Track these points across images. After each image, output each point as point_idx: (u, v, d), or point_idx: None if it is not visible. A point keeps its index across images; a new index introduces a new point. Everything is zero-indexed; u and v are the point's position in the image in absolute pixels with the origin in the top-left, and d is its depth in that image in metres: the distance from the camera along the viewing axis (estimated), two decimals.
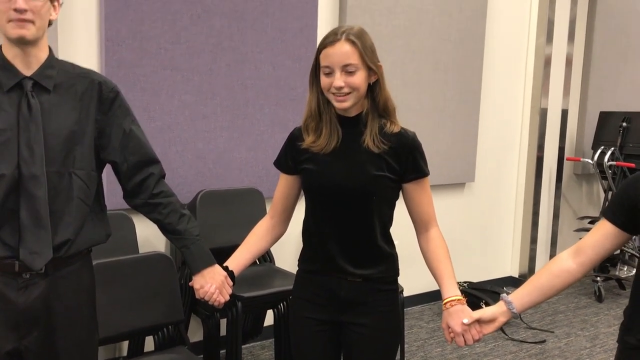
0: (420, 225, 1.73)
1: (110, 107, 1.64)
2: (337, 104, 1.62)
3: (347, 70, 1.59)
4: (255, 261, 3.11)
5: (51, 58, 1.56)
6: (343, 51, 1.58)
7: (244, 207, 3.08)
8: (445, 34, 3.88)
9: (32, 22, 1.46)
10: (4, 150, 1.48)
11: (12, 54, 1.50)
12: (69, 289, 1.61)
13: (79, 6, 2.68)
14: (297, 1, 3.24)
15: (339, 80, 1.58)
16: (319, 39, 3.34)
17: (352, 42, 1.59)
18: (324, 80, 1.62)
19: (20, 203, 1.49)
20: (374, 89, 1.66)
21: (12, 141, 1.49)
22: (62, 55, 2.56)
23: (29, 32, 1.46)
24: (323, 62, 1.61)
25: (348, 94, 1.60)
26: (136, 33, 2.78)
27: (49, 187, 1.51)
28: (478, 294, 3.82)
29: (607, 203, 4.64)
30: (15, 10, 1.42)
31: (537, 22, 4.37)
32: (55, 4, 1.53)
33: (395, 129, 1.66)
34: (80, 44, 2.71)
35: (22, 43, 1.48)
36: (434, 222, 1.73)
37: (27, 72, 1.52)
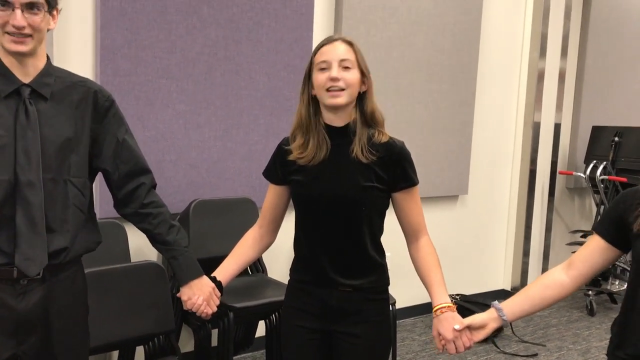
0: (411, 234, 1.74)
1: (105, 116, 1.64)
2: (330, 100, 1.61)
3: (343, 65, 1.61)
4: (247, 271, 3.12)
5: (48, 66, 1.56)
6: (340, 48, 1.63)
7: (237, 216, 3.07)
8: (440, 46, 3.90)
9: (31, 36, 1.46)
10: (1, 156, 1.48)
11: (9, 62, 1.50)
12: (65, 293, 1.62)
13: (74, 15, 2.69)
14: (292, 12, 3.25)
15: (335, 71, 1.59)
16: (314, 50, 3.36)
17: (349, 43, 1.65)
18: (319, 77, 1.62)
19: (16, 209, 1.49)
20: (363, 99, 1.67)
21: (9, 147, 1.49)
22: (57, 63, 2.54)
23: (26, 47, 1.47)
24: (319, 59, 1.63)
25: (343, 90, 1.61)
26: (131, 42, 2.78)
27: (45, 194, 1.52)
28: (470, 306, 3.81)
29: (599, 217, 4.66)
30: (14, 26, 1.43)
31: (530, 37, 4.41)
32: (54, 13, 1.53)
33: (384, 139, 1.67)
34: (75, 52, 2.71)
35: (20, 56, 1.49)
36: (424, 232, 1.74)
37: (25, 80, 1.52)
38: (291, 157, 1.69)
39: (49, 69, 1.56)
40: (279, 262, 3.18)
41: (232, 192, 3.16)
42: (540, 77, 4.42)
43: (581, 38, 4.73)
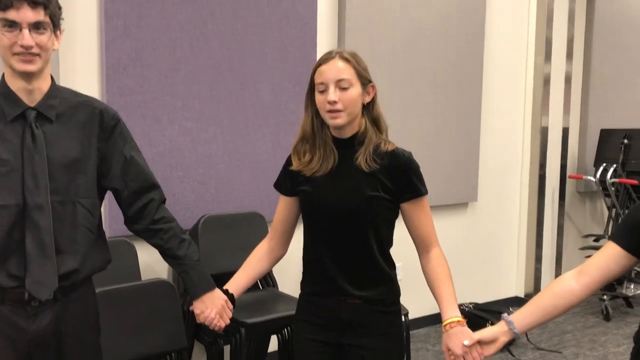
0: (421, 245, 1.72)
1: (111, 135, 1.65)
2: (331, 121, 1.63)
3: (340, 85, 1.60)
4: (258, 286, 3.10)
5: (53, 87, 1.57)
6: (337, 67, 1.61)
7: (247, 231, 3.06)
8: (444, 55, 3.90)
9: (38, 55, 1.47)
10: (8, 181, 1.49)
11: (16, 86, 1.51)
12: (77, 313, 1.62)
13: (79, 34, 2.71)
14: (296, 26, 3.27)
15: (332, 94, 1.59)
16: None
17: (346, 59, 1.63)
18: (319, 98, 1.63)
19: (26, 233, 1.49)
20: (369, 108, 1.67)
21: (16, 171, 1.49)
22: (63, 82, 2.57)
23: (35, 66, 1.48)
24: (317, 80, 1.64)
25: (341, 110, 1.60)
26: (136, 60, 2.80)
27: (53, 216, 1.52)
28: (484, 314, 3.78)
29: (611, 221, 4.62)
30: (22, 46, 1.43)
31: (535, 41, 4.40)
32: (58, 33, 1.54)
33: (390, 148, 1.66)
34: (81, 71, 2.73)
35: (27, 76, 1.49)
36: (435, 243, 1.72)
37: (31, 103, 1.52)
38: (294, 168, 1.69)
39: (54, 91, 1.57)
40: (290, 275, 3.16)
41: (240, 206, 3.16)
42: (547, 81, 4.40)
43: (586, 41, 4.71)
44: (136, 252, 2.73)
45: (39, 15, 1.44)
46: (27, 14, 1.43)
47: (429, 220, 1.71)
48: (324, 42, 3.44)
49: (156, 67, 2.85)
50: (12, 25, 1.43)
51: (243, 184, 3.17)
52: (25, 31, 1.43)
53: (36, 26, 1.45)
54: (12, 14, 1.42)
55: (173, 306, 2.34)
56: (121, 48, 2.75)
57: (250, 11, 3.10)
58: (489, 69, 4.19)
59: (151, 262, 2.86)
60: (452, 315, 1.62)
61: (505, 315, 1.58)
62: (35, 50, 1.45)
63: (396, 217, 1.72)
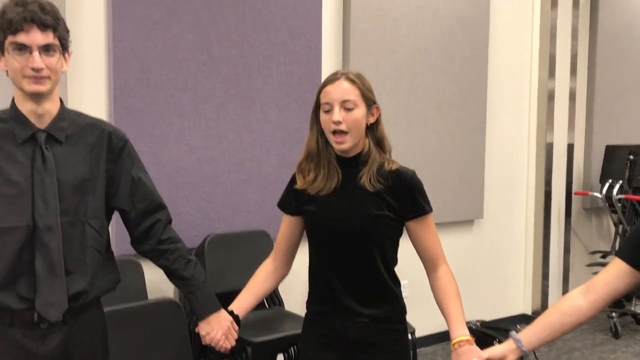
0: (428, 263, 1.72)
1: (119, 156, 1.66)
2: (336, 146, 1.65)
3: (345, 106, 1.62)
4: (264, 305, 3.10)
5: (62, 110, 1.59)
6: (342, 88, 1.63)
7: (253, 249, 3.07)
8: (448, 73, 3.93)
9: (48, 77, 1.49)
10: (19, 202, 1.50)
11: (26, 108, 1.53)
12: (85, 335, 1.62)
13: (88, 56, 2.75)
14: (301, 47, 3.30)
15: (337, 115, 1.61)
16: None
17: (352, 81, 1.65)
18: (324, 118, 1.65)
19: (36, 254, 1.50)
20: (373, 128, 1.68)
21: (27, 193, 1.50)
22: (71, 103, 2.60)
23: (45, 87, 1.49)
24: (323, 100, 1.65)
25: (346, 133, 1.62)
26: (144, 81, 2.83)
27: (63, 237, 1.53)
28: (491, 332, 3.75)
29: (618, 238, 4.60)
30: (33, 68, 1.46)
31: (538, 58, 4.42)
32: (66, 55, 1.56)
33: (394, 167, 1.68)
34: (89, 92, 2.76)
35: (37, 97, 1.51)
36: (442, 260, 1.72)
37: (41, 125, 1.54)
38: (298, 187, 1.70)
39: (63, 113, 1.59)
40: (296, 294, 3.16)
41: (246, 225, 3.17)
42: (551, 97, 4.42)
43: (590, 57, 4.73)
44: (143, 271, 2.74)
45: (48, 37, 1.47)
46: (37, 37, 1.45)
47: (435, 238, 1.72)
48: (329, 61, 3.47)
49: (163, 87, 2.89)
50: (22, 48, 1.45)
51: (249, 202, 3.18)
52: (36, 54, 1.45)
53: (46, 49, 1.47)
54: (22, 37, 1.44)
55: (179, 325, 2.34)
56: (129, 69, 2.79)
57: (256, 32, 3.14)
58: (493, 86, 4.21)
59: (158, 281, 2.87)
60: (460, 334, 1.62)
61: (513, 333, 1.58)
62: (45, 72, 1.47)
63: (400, 235, 1.73)
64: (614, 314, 4.27)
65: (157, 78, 2.87)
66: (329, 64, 3.46)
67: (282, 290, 3.11)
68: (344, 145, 1.63)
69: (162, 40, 2.87)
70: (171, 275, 1.75)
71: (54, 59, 1.49)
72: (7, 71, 1.51)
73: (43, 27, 1.46)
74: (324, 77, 3.40)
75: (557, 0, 4.37)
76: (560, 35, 4.44)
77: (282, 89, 3.25)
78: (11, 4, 1.46)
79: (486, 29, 4.09)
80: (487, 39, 4.11)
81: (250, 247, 3.07)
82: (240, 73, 3.11)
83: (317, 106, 1.68)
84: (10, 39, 1.45)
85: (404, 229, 1.72)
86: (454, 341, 1.62)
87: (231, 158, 3.12)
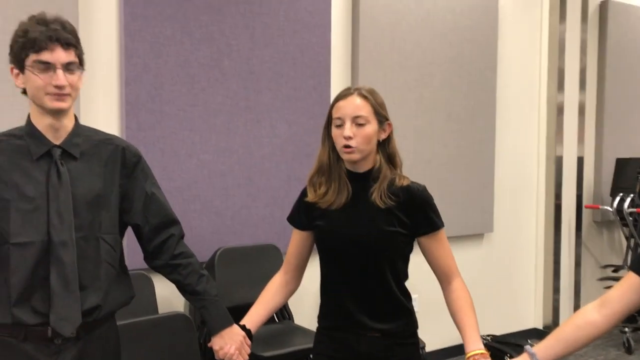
0: (442, 277, 1.72)
1: (133, 172, 1.68)
2: (345, 156, 1.65)
3: (357, 122, 1.63)
4: (274, 319, 3.10)
5: (77, 126, 1.61)
6: (355, 104, 1.64)
7: (263, 263, 3.08)
8: (457, 86, 3.94)
9: (69, 94, 1.52)
10: (34, 218, 1.51)
11: (43, 124, 1.55)
12: (99, 351, 1.62)
13: (100, 72, 2.78)
14: (310, 60, 3.33)
15: (348, 130, 1.62)
16: (332, 95, 3.41)
17: (364, 97, 1.65)
18: (335, 133, 1.66)
19: (50, 269, 1.50)
20: (384, 144, 1.69)
21: (42, 208, 1.52)
22: (84, 119, 2.63)
23: (66, 104, 1.52)
24: (335, 115, 1.67)
25: (356, 147, 1.63)
26: (155, 97, 2.87)
27: (77, 252, 1.53)
28: (502, 347, 3.72)
29: (630, 251, 4.56)
30: (56, 86, 1.48)
31: (547, 72, 4.42)
32: (81, 73, 1.59)
33: (405, 183, 1.68)
34: (102, 108, 2.79)
35: (57, 113, 1.54)
36: (456, 273, 1.72)
37: (56, 141, 1.56)
38: (309, 200, 1.71)
39: (78, 129, 1.61)
40: (306, 308, 3.16)
41: (256, 238, 3.18)
42: (560, 110, 4.42)
43: (599, 70, 4.73)
44: (154, 286, 2.75)
45: (70, 56, 1.50)
46: (60, 55, 1.48)
47: (448, 252, 1.72)
48: (338, 76, 3.50)
49: (174, 103, 2.92)
50: (46, 66, 1.48)
51: (259, 216, 3.20)
52: (60, 72, 1.48)
53: (68, 66, 1.50)
54: (46, 56, 1.47)
55: (190, 339, 2.35)
56: (140, 85, 2.83)
57: (265, 47, 3.17)
58: (501, 99, 4.22)
59: (168, 296, 2.88)
60: (475, 347, 1.61)
61: (528, 347, 1.57)
62: (67, 89, 1.50)
63: (411, 251, 1.73)
64: (626, 329, 4.23)
65: (168, 93, 2.90)
66: (338, 78, 3.49)
67: (292, 304, 3.11)
68: (353, 155, 1.64)
69: (174, 56, 2.90)
70: (184, 290, 1.75)
71: (75, 77, 1.52)
72: (23, 88, 1.53)
73: (66, 45, 1.49)
74: (333, 91, 3.45)
75: (566, 14, 4.38)
76: (569, 48, 4.45)
77: (292, 103, 3.28)
78: (32, 22, 1.49)
79: (494, 42, 4.11)
80: (496, 53, 4.12)
81: (260, 261, 3.08)
82: (250, 88, 3.14)
83: (329, 121, 1.70)
84: (33, 57, 1.48)
85: (416, 244, 1.73)
86: (468, 355, 1.62)
87: (241, 172, 3.14)
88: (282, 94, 3.25)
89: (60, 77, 1.48)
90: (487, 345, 3.84)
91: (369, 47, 3.54)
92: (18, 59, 1.49)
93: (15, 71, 1.51)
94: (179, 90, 2.93)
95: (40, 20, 1.49)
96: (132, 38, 2.80)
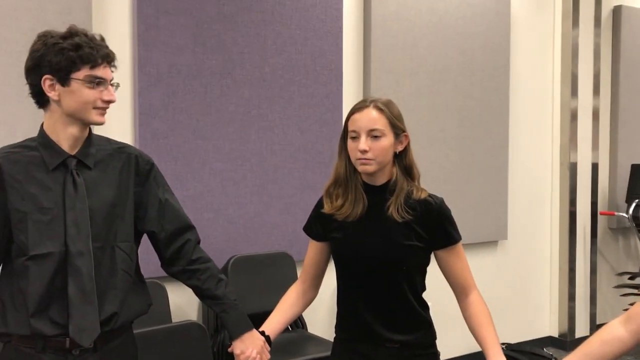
0: (459, 290, 1.71)
1: (147, 179, 1.69)
2: (360, 167, 1.64)
3: (372, 135, 1.62)
4: (288, 327, 3.09)
5: (91, 136, 1.63)
6: (370, 116, 1.63)
7: (275, 271, 3.07)
8: (470, 92, 3.92)
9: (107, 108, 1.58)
10: (51, 229, 1.52)
11: (65, 135, 1.56)
12: None
13: (114, 81, 2.79)
14: (322, 68, 3.33)
15: (363, 143, 1.61)
16: (344, 103, 3.42)
17: (380, 109, 1.64)
18: (350, 145, 1.65)
19: (68, 280, 1.51)
20: (401, 157, 1.68)
21: (59, 219, 1.52)
22: (98, 128, 2.65)
23: (104, 118, 1.58)
24: (350, 127, 1.66)
25: (372, 159, 1.62)
26: (168, 105, 2.88)
27: (94, 262, 1.54)
28: (517, 355, 3.69)
29: None
30: (107, 101, 1.55)
31: (560, 77, 4.40)
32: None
33: (422, 195, 1.67)
34: (115, 117, 2.80)
35: (89, 126, 1.59)
36: (473, 287, 1.71)
37: (71, 151, 1.57)
38: (325, 211, 1.70)
39: (92, 139, 1.62)
40: (319, 317, 3.15)
41: (269, 247, 3.18)
42: (574, 116, 4.38)
43: (612, 75, 4.69)
44: (167, 294, 2.76)
45: (111, 73, 1.58)
46: (108, 72, 1.56)
47: (464, 265, 1.70)
48: (350, 83, 3.49)
49: (187, 111, 2.93)
50: (99, 81, 1.53)
51: (272, 224, 3.20)
52: (111, 88, 1.55)
53: (111, 83, 1.57)
54: (100, 72, 1.53)
55: (204, 348, 2.34)
56: (154, 94, 2.84)
57: (277, 55, 3.18)
58: (515, 105, 4.19)
59: (181, 304, 2.88)
60: None
61: None
62: (109, 104, 1.57)
63: (428, 264, 1.72)
64: None
65: (181, 102, 2.92)
66: (349, 85, 3.49)
67: (306, 313, 3.09)
68: (368, 167, 1.63)
69: (186, 66, 2.92)
70: (202, 295, 1.75)
71: (114, 92, 1.59)
72: (55, 100, 1.53)
73: (112, 62, 1.57)
74: (345, 98, 3.45)
75: (579, 19, 4.36)
76: (583, 54, 4.42)
77: (303, 110, 3.28)
78: (82, 39, 1.51)
79: (507, 48, 4.09)
80: (508, 59, 4.10)
81: (272, 269, 3.08)
82: (262, 96, 3.15)
83: (345, 133, 1.69)
84: (86, 71, 1.51)
85: (432, 256, 1.71)
86: None
87: (254, 180, 3.14)
88: (294, 102, 3.25)
89: (112, 92, 1.55)
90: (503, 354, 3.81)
91: (380, 54, 3.54)
92: (63, 71, 1.50)
93: (51, 82, 1.51)
94: (191, 99, 2.94)
95: (89, 36, 1.54)
96: (145, 47, 2.81)
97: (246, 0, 3.08)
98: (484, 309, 1.68)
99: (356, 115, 1.65)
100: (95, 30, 2.70)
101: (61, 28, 1.58)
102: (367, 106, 1.65)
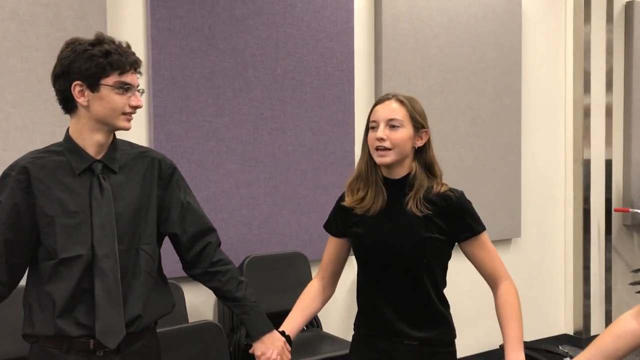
0: (490, 281, 1.73)
1: (169, 182, 1.71)
2: (377, 159, 1.66)
3: (391, 124, 1.64)
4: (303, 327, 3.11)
5: (115, 141, 1.66)
6: (390, 107, 1.67)
7: (289, 271, 3.09)
8: (482, 90, 3.92)
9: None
10: (79, 232, 1.55)
11: (92, 140, 1.58)
12: None
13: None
14: (333, 69, 3.35)
15: (381, 132, 1.63)
16: (356, 104, 3.43)
17: (401, 102, 1.68)
18: (370, 136, 1.68)
19: (95, 282, 1.54)
20: (422, 152, 1.69)
21: (86, 223, 1.55)
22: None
23: (130, 123, 1.60)
24: (371, 118, 1.69)
25: (389, 149, 1.64)
26: (182, 108, 2.91)
27: (120, 265, 1.56)
28: (533, 354, 3.68)
29: None
30: (135, 107, 1.57)
31: (573, 74, 4.38)
32: None
33: (442, 189, 1.68)
34: None
35: (115, 131, 1.61)
36: (504, 276, 1.72)
37: (97, 156, 1.60)
38: (346, 204, 1.72)
39: (116, 144, 1.65)
40: (334, 316, 3.16)
41: (283, 247, 3.20)
42: (587, 113, 4.36)
43: (625, 71, 4.66)
44: (184, 295, 2.78)
45: (137, 79, 1.60)
46: (135, 78, 1.58)
47: (492, 255, 1.71)
48: (362, 84, 3.51)
49: (201, 113, 2.96)
50: (128, 87, 1.56)
51: (285, 224, 3.22)
52: (138, 94, 1.58)
53: (137, 89, 1.60)
54: (128, 78, 1.56)
55: (220, 348, 2.37)
56: (168, 97, 2.87)
57: (289, 57, 3.20)
58: (527, 102, 4.18)
59: (198, 304, 2.91)
60: (515, 357, 1.61)
61: (568, 359, 1.55)
62: (137, 110, 1.60)
63: (449, 258, 1.73)
64: None
65: (195, 105, 2.94)
66: (361, 86, 3.50)
67: (320, 312, 3.11)
68: (385, 158, 1.65)
69: (199, 68, 2.95)
70: (223, 296, 1.77)
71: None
72: (84, 106, 1.55)
73: (139, 69, 1.59)
74: (356, 98, 3.46)
75: (591, 15, 4.34)
76: (595, 50, 4.40)
77: (316, 111, 3.30)
78: (111, 46, 1.54)
79: (519, 46, 4.08)
80: (520, 56, 4.09)
81: (287, 269, 3.10)
82: (274, 97, 3.17)
83: (367, 127, 1.71)
84: (115, 77, 1.53)
85: (459, 251, 1.72)
86: None
87: (267, 181, 3.16)
88: (306, 103, 3.27)
89: (140, 97, 1.58)
90: None
91: (392, 54, 3.54)
92: (93, 78, 1.53)
93: (80, 88, 1.53)
94: (205, 101, 2.97)
95: (117, 43, 1.56)
96: (159, 51, 2.85)
97: (258, 2, 3.10)
98: (511, 301, 1.68)
99: (378, 107, 1.69)
100: (110, 34, 2.73)
101: (77, 33, 1.62)
102: (389, 99, 1.69)
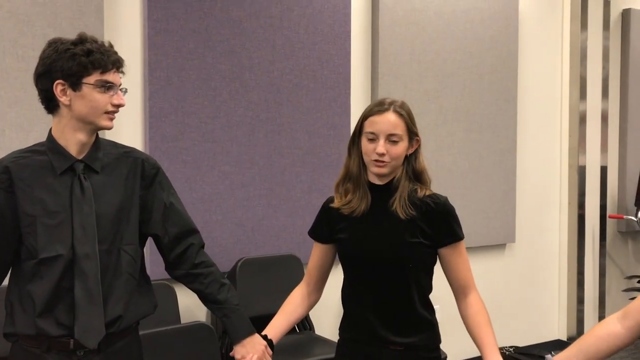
0: (459, 290, 1.72)
1: (152, 183, 1.71)
2: (375, 169, 1.66)
3: (391, 139, 1.63)
4: (295, 329, 3.11)
5: (98, 140, 1.65)
6: (391, 121, 1.64)
7: (283, 274, 3.09)
8: (478, 96, 3.93)
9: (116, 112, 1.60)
10: (59, 232, 1.55)
11: (74, 140, 1.58)
12: None
13: (124, 85, 2.83)
14: (330, 72, 3.35)
15: (382, 147, 1.63)
16: (352, 107, 3.44)
17: (400, 114, 1.65)
18: (367, 146, 1.66)
19: (75, 282, 1.54)
20: (411, 158, 1.70)
21: (66, 222, 1.55)
22: (108, 132, 2.69)
23: (113, 123, 1.61)
24: (368, 129, 1.66)
25: (388, 162, 1.64)
26: (178, 109, 2.92)
27: (100, 265, 1.56)
28: (525, 359, 3.68)
29: None
30: (117, 105, 1.58)
31: (569, 80, 4.39)
32: None
33: (427, 193, 1.69)
34: (125, 120, 2.84)
35: (98, 131, 1.61)
36: (473, 287, 1.72)
37: (78, 155, 1.60)
38: (335, 205, 1.72)
39: (98, 144, 1.65)
40: (327, 319, 3.17)
41: (277, 249, 3.20)
42: (582, 119, 4.37)
43: (621, 78, 4.68)
44: (176, 296, 2.78)
45: (120, 78, 1.61)
46: (117, 77, 1.59)
47: (466, 265, 1.72)
48: (358, 87, 3.51)
49: (197, 115, 2.96)
50: (109, 86, 1.56)
51: (279, 226, 3.22)
52: (120, 93, 1.59)
53: (120, 88, 1.60)
54: (111, 77, 1.56)
55: (212, 349, 2.37)
56: (163, 98, 2.88)
57: (286, 60, 3.21)
58: (523, 108, 4.19)
59: (190, 305, 2.91)
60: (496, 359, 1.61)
61: (549, 356, 1.56)
62: (118, 109, 1.60)
63: (435, 262, 1.73)
64: None
65: (190, 106, 2.95)
66: (357, 89, 3.51)
67: (313, 314, 3.12)
68: (383, 169, 1.65)
69: (196, 70, 2.95)
70: (205, 299, 1.76)
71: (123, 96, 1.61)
72: (66, 105, 1.55)
73: (121, 68, 1.60)
74: (352, 102, 3.47)
75: (587, 22, 4.35)
76: (591, 56, 4.41)
77: (312, 114, 3.30)
78: (92, 45, 1.55)
79: (515, 52, 4.09)
80: (517, 62, 4.10)
81: (280, 271, 3.10)
82: (270, 100, 3.17)
83: (360, 132, 1.70)
84: (97, 76, 1.54)
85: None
86: None
87: (262, 183, 3.17)
88: (303, 106, 3.28)
89: (122, 96, 1.58)
90: (510, 357, 3.81)
91: (388, 58, 3.55)
92: (74, 77, 1.53)
93: (62, 87, 1.54)
94: (201, 102, 2.97)
95: (99, 43, 1.57)
96: (155, 52, 2.85)
97: (255, 5, 3.11)
98: (481, 310, 1.69)
99: (376, 118, 1.65)
100: (107, 34, 2.75)
101: (74, 33, 1.62)
102: (387, 109, 1.65)
